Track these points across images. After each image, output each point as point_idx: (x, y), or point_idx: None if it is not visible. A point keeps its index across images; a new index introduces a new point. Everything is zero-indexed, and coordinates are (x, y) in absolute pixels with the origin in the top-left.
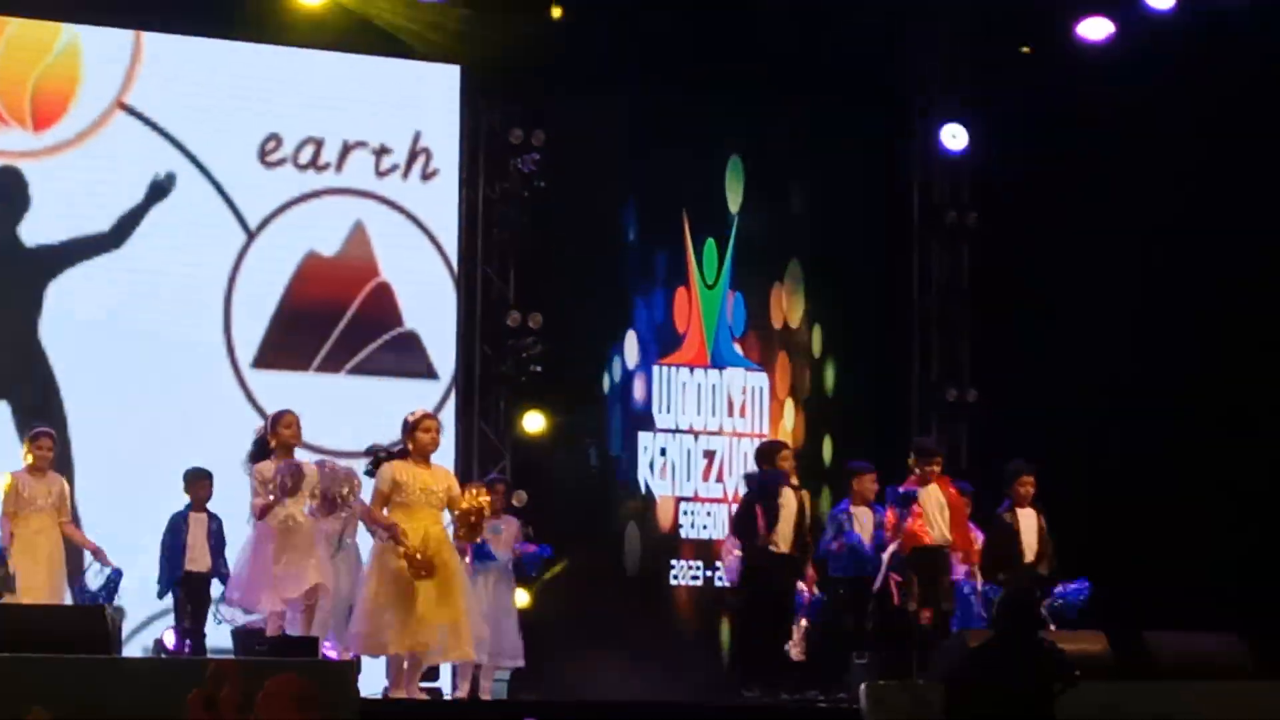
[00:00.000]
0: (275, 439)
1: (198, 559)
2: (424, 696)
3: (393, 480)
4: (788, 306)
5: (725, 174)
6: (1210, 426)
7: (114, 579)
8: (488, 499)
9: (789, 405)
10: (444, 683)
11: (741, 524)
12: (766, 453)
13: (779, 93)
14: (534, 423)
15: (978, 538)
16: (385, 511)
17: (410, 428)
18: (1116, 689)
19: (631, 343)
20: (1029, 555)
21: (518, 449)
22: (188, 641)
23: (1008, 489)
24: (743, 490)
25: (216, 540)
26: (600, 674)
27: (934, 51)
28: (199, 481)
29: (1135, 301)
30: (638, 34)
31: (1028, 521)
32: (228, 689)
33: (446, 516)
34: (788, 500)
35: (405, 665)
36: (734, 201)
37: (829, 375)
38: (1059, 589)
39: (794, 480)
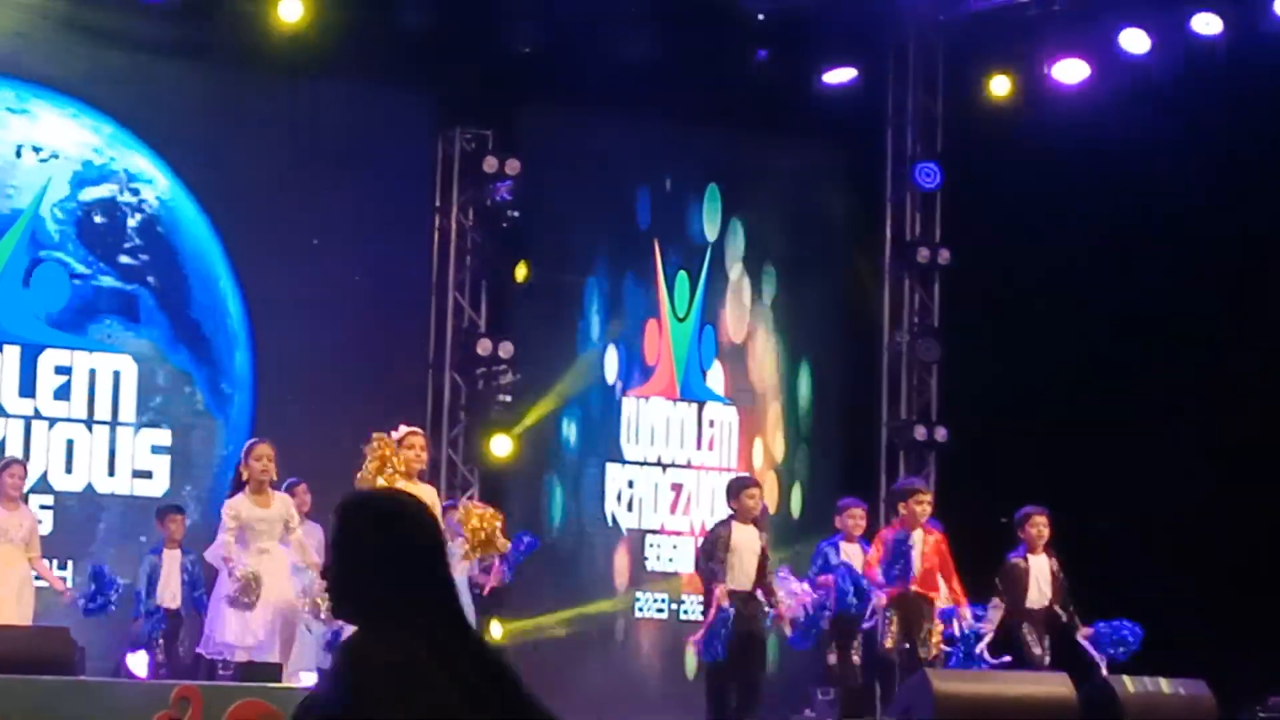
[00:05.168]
0: (246, 471)
1: (171, 596)
2: None
3: None
4: (757, 342)
5: (702, 205)
6: (1180, 463)
7: (106, 592)
8: (496, 517)
9: (758, 442)
10: None
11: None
12: (734, 489)
13: (753, 128)
14: (501, 448)
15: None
16: None
17: (395, 446)
18: None
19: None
20: (1042, 600)
21: (485, 476)
22: (162, 670)
23: (1020, 533)
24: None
25: (190, 576)
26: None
27: (909, 89)
28: (171, 517)
29: (1107, 340)
30: (616, 64)
31: (1039, 565)
32: (192, 713)
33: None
34: (749, 539)
35: None
36: (710, 232)
37: (799, 411)
38: (1110, 630)
39: (758, 517)
